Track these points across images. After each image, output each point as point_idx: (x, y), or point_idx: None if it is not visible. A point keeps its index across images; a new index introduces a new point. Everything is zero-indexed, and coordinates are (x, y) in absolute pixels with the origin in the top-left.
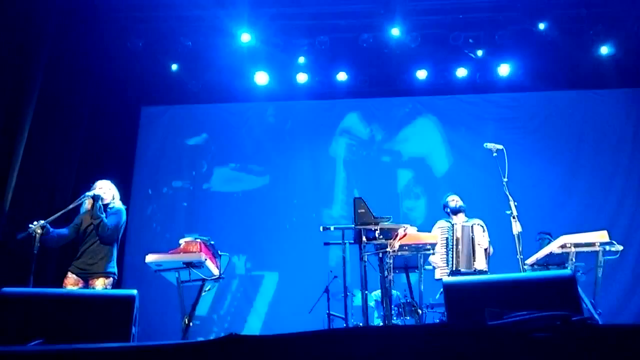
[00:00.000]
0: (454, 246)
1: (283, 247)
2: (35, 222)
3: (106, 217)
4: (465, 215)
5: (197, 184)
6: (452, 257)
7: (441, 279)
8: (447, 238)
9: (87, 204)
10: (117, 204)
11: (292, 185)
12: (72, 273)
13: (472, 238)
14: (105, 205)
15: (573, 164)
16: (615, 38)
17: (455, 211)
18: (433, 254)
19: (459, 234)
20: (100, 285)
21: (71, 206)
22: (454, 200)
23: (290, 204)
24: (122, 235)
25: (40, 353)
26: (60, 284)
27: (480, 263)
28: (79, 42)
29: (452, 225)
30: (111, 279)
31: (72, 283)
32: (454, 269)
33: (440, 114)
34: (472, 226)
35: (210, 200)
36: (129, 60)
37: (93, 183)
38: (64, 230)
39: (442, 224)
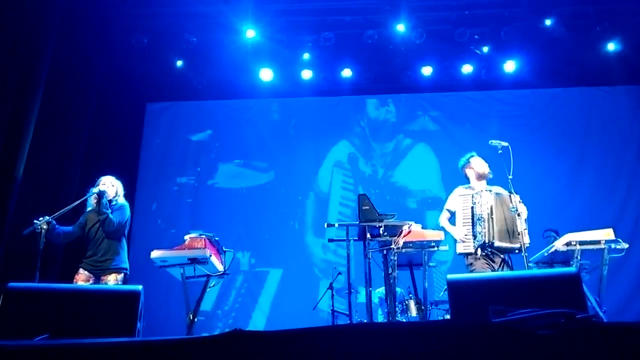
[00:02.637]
0: (488, 215)
1: (287, 243)
2: (40, 218)
3: (111, 213)
4: (487, 184)
5: (202, 180)
6: (486, 228)
7: (464, 254)
8: (472, 207)
9: (93, 201)
10: (121, 200)
11: (296, 181)
12: (84, 269)
13: (512, 208)
14: (109, 201)
15: (579, 161)
16: (622, 35)
17: (481, 177)
18: (437, 250)
19: (492, 201)
20: (112, 280)
21: (76, 202)
22: (482, 164)
23: (295, 201)
24: (127, 231)
25: (46, 348)
26: (65, 280)
27: (526, 236)
28: (83, 39)
29: (477, 193)
30: (123, 274)
31: (83, 279)
32: (486, 240)
33: (445, 111)
34: (510, 195)
35: (215, 197)
36: (133, 57)
37: (98, 179)
38: (69, 228)
39: (462, 191)
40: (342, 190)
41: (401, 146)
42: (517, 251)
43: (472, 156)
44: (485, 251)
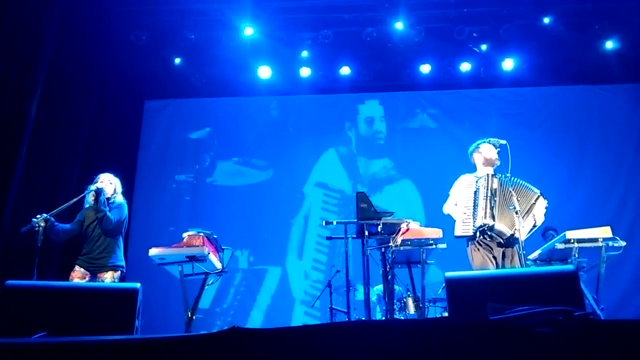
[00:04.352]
0: (489, 198)
1: (286, 241)
2: (38, 216)
3: (109, 211)
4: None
5: (201, 178)
6: (485, 209)
7: (463, 236)
8: (475, 191)
9: (91, 198)
10: (119, 198)
11: (295, 179)
12: (80, 267)
13: (511, 198)
14: (108, 199)
15: (577, 159)
16: (621, 33)
17: (487, 162)
18: (435, 248)
19: (495, 185)
20: (109, 278)
21: (74, 200)
22: (491, 150)
23: (293, 199)
24: (125, 228)
25: (44, 345)
26: (63, 277)
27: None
28: (82, 36)
29: (482, 177)
30: (119, 272)
31: (79, 276)
32: (486, 221)
33: (443, 109)
34: (513, 188)
35: (214, 194)
36: (132, 54)
37: (96, 177)
38: (67, 226)
39: (467, 177)
40: (344, 186)
41: (402, 143)
42: (515, 235)
43: (484, 142)
44: (484, 235)
